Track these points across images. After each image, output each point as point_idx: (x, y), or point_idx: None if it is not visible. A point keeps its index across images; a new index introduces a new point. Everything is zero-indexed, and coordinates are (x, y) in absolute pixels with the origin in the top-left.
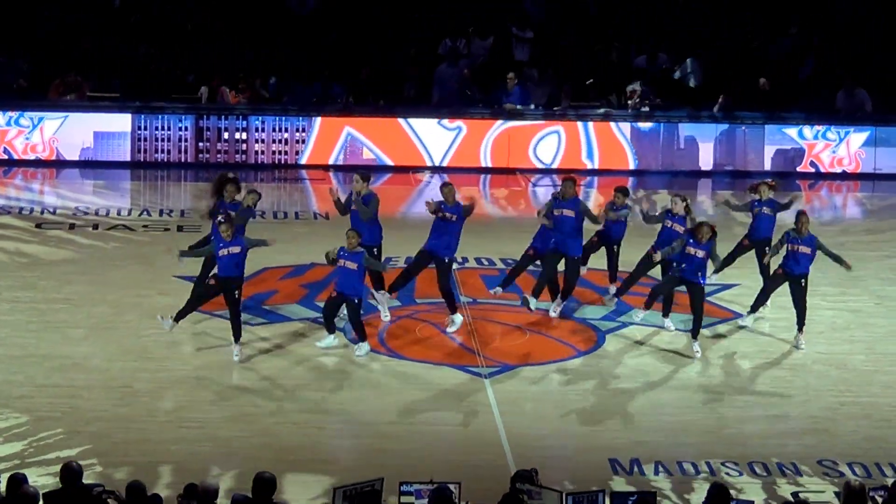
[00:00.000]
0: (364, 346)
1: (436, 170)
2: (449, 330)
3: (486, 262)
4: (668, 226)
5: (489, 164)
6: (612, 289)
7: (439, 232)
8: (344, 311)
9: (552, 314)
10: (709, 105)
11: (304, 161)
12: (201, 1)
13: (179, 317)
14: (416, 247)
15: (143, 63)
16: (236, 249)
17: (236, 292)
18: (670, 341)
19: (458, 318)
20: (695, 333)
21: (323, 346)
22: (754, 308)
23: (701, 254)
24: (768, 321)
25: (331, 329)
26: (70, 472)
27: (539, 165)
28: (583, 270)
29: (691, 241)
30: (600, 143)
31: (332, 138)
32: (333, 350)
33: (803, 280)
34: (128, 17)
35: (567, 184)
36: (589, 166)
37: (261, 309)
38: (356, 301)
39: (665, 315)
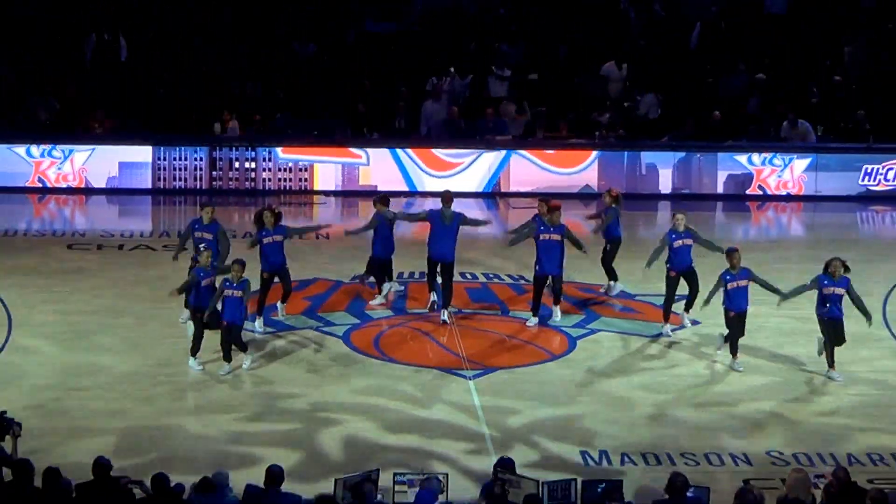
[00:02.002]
0: (248, 359)
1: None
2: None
3: (469, 276)
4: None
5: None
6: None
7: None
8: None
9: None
10: (668, 134)
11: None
12: (215, 46)
13: None
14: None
15: (162, 102)
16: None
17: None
18: (636, 346)
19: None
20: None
21: (245, 368)
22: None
23: (840, 290)
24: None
25: (228, 357)
26: (100, 467)
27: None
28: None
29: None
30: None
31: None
32: (331, 355)
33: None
34: (145, 64)
35: (555, 213)
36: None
37: (268, 320)
38: (239, 326)
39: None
